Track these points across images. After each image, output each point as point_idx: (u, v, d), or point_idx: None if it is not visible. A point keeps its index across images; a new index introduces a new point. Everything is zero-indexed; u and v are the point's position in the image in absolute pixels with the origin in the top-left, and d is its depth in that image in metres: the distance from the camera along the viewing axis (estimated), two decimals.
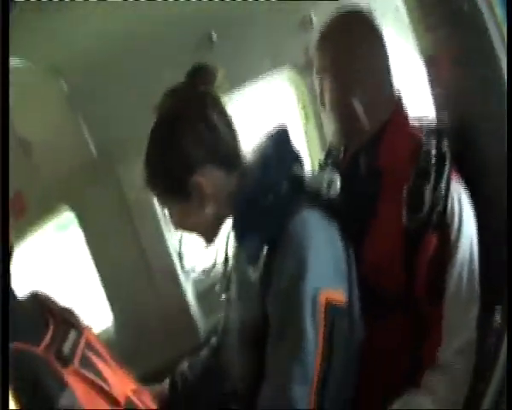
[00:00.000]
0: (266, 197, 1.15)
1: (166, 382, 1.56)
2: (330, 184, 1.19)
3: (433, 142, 1.30)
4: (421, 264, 1.23)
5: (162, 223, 2.02)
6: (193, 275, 2.18)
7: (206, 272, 2.13)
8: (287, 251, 1.10)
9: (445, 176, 1.25)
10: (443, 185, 1.24)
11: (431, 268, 1.24)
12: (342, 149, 1.51)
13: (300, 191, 1.19)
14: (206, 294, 2.17)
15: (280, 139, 1.24)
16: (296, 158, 1.25)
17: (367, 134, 1.38)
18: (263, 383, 1.11)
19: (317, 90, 1.46)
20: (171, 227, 1.32)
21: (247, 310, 1.18)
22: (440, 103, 1.51)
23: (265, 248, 1.11)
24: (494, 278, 1.23)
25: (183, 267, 2.07)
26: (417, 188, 1.24)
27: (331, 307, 1.09)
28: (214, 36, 2.03)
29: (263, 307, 1.12)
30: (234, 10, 1.90)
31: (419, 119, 1.44)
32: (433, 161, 1.26)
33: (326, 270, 1.12)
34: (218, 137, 1.18)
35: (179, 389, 1.53)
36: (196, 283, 2.19)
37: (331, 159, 1.57)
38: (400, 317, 1.29)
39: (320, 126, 2.32)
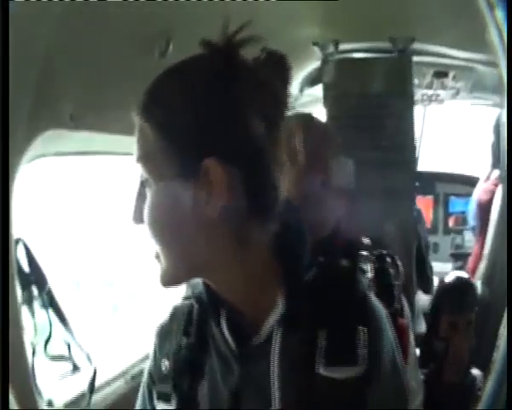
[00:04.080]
0: (310, 271, 0.89)
1: None
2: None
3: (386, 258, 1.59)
4: (405, 343, 1.52)
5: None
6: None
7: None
8: (379, 332, 0.88)
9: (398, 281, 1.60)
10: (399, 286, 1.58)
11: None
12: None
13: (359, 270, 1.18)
14: None
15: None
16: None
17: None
18: None
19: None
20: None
21: None
22: None
23: (363, 333, 0.84)
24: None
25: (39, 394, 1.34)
26: (387, 288, 1.53)
27: None
28: None
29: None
30: None
31: None
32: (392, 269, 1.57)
33: None
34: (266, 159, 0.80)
35: None
36: None
37: None
38: None
39: None
